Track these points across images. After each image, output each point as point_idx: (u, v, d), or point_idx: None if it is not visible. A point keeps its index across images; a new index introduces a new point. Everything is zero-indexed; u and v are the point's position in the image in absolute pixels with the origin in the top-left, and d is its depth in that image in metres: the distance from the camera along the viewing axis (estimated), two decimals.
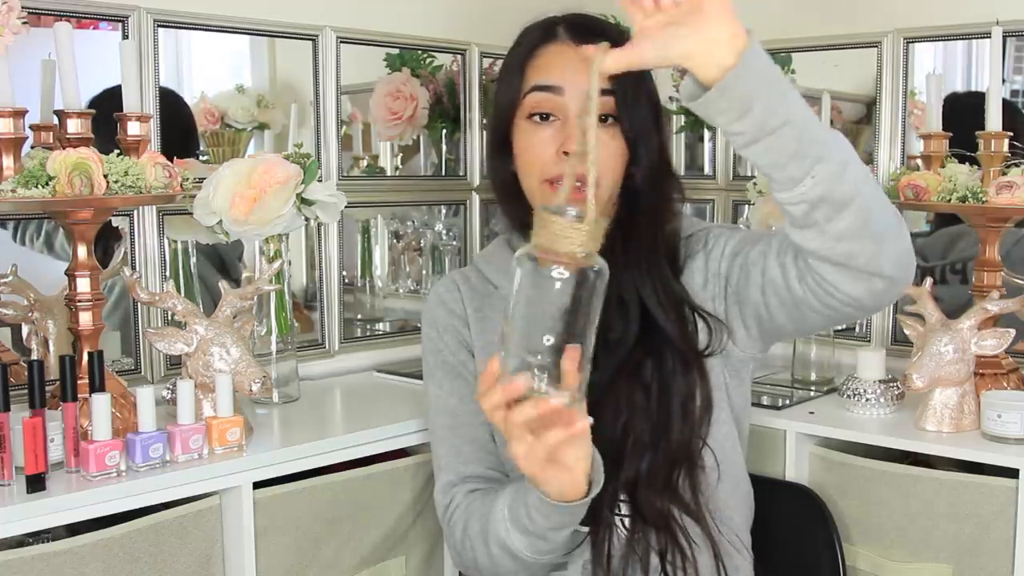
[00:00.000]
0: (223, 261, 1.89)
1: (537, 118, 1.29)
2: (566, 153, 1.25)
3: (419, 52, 2.09)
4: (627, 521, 1.27)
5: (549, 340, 1.00)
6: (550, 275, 0.99)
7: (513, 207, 1.36)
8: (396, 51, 2.06)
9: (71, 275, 1.44)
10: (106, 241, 1.67)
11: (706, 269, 1.32)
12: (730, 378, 1.33)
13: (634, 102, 1.28)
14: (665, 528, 1.26)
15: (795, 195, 1.05)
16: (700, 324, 1.30)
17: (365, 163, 2.10)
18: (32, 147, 1.52)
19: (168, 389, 1.57)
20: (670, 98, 1.98)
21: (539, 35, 1.32)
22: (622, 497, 1.26)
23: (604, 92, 1.24)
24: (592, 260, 0.99)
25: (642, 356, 1.28)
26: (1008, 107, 1.67)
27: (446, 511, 1.33)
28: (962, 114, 1.75)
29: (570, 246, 0.98)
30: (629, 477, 1.26)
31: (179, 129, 1.78)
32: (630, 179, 1.31)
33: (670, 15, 0.97)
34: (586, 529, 1.25)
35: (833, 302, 1.15)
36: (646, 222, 1.31)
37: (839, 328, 1.98)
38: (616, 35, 1.27)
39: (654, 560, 1.26)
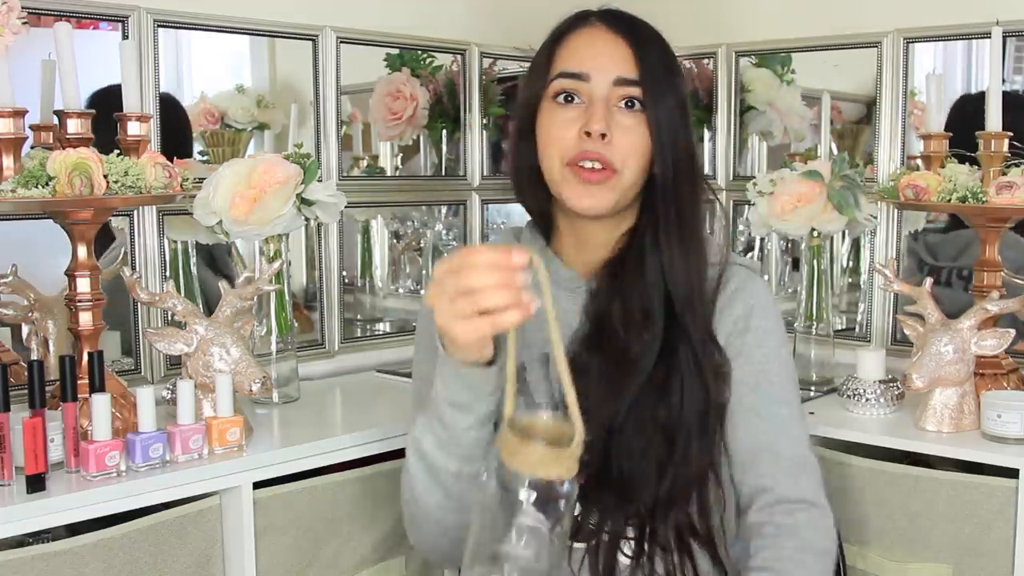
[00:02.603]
0: (212, 257, 1.88)
1: (562, 99, 1.27)
2: (588, 134, 1.23)
3: (419, 52, 2.09)
4: (633, 544, 1.22)
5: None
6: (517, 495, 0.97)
7: (531, 195, 1.34)
8: (396, 51, 2.06)
9: (71, 275, 1.44)
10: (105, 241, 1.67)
11: (717, 314, 1.29)
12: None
13: (661, 93, 1.25)
14: (676, 551, 1.22)
15: None
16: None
17: (365, 163, 2.10)
18: (32, 147, 1.52)
19: (168, 389, 1.57)
20: None
21: (570, 21, 1.31)
22: (629, 520, 1.23)
23: (630, 82, 1.24)
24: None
25: (663, 374, 1.25)
26: (1008, 107, 1.66)
27: None
28: (975, 118, 1.72)
29: (544, 472, 0.96)
30: (645, 501, 1.22)
31: (174, 133, 1.77)
32: (654, 174, 1.27)
33: None
34: (583, 545, 1.22)
35: None
36: (676, 212, 1.27)
37: (839, 328, 1.99)
38: (648, 32, 1.28)
39: None
